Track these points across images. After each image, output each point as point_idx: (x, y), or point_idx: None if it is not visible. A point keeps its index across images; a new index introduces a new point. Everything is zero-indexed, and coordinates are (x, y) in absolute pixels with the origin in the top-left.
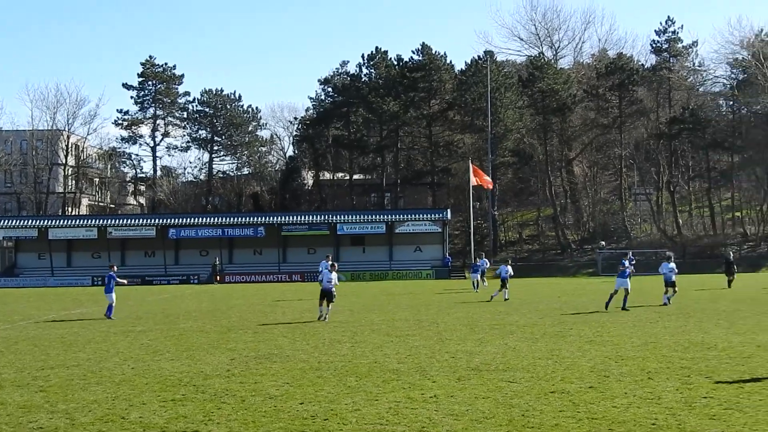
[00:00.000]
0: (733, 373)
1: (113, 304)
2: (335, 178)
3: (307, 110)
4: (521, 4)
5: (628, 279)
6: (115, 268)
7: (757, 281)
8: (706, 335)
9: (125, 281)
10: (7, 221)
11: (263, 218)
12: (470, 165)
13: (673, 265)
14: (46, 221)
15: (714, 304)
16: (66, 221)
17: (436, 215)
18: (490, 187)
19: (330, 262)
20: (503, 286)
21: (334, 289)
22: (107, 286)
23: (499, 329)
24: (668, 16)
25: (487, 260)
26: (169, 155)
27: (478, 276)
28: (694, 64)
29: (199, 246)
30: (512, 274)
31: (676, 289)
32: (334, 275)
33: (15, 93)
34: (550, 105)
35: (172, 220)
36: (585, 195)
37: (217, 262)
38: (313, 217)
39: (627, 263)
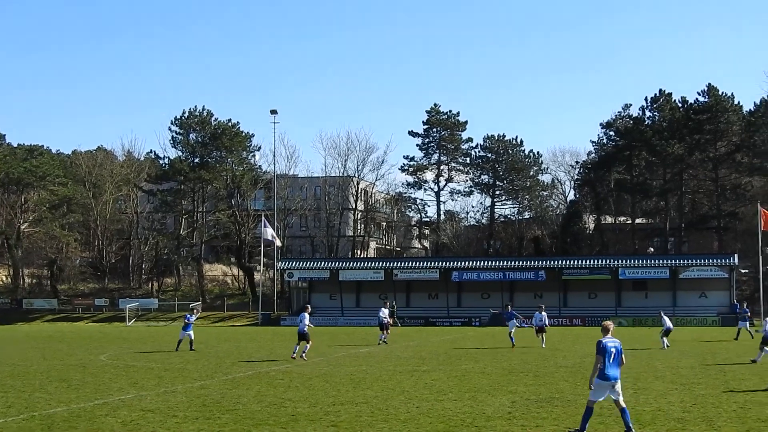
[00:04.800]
0: None
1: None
2: (617, 222)
3: (588, 154)
4: None
5: None
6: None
7: None
8: None
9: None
10: (302, 263)
11: (544, 262)
12: (759, 209)
13: None
14: (337, 263)
15: None
16: (355, 263)
17: (723, 261)
18: None
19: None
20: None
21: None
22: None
23: None
24: None
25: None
26: (452, 200)
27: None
28: None
29: (480, 289)
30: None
31: None
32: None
33: (310, 142)
34: None
35: (455, 263)
36: None
37: (395, 307)
38: (594, 262)
39: None
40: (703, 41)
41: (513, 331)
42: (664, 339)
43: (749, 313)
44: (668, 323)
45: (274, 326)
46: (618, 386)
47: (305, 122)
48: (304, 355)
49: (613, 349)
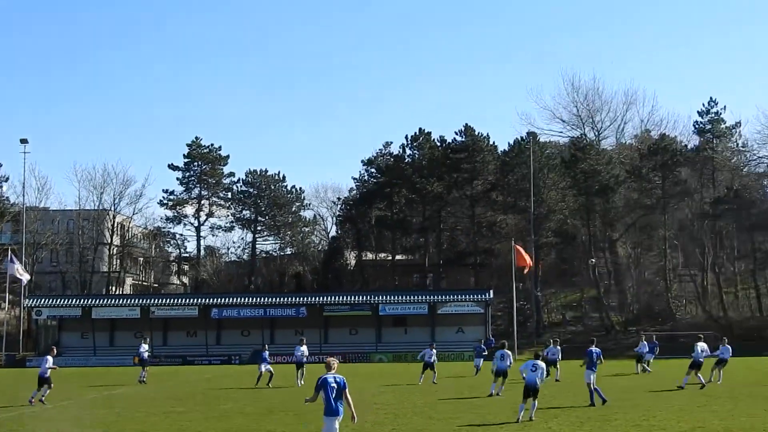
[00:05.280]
0: None
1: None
2: (378, 258)
3: (350, 191)
4: (562, 86)
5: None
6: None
7: None
8: (755, 420)
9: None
10: (51, 300)
11: (305, 298)
12: (513, 246)
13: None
14: (90, 300)
15: (763, 389)
16: (109, 300)
17: (479, 296)
18: (525, 272)
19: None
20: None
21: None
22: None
23: (543, 413)
24: (711, 98)
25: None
26: (213, 235)
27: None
28: (737, 144)
29: (241, 326)
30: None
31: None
32: None
33: (63, 173)
34: (592, 186)
35: (215, 299)
36: (629, 276)
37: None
38: (355, 298)
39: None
40: (461, 82)
41: (263, 372)
42: (427, 375)
43: (486, 351)
44: (428, 357)
45: (20, 368)
46: (337, 423)
47: (58, 153)
48: (43, 398)
49: (334, 384)
